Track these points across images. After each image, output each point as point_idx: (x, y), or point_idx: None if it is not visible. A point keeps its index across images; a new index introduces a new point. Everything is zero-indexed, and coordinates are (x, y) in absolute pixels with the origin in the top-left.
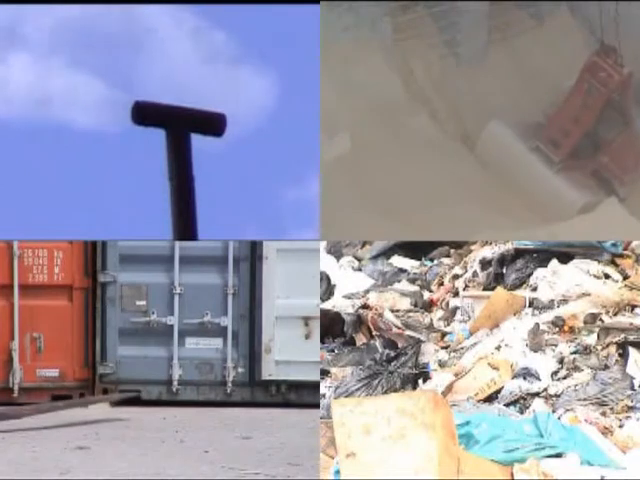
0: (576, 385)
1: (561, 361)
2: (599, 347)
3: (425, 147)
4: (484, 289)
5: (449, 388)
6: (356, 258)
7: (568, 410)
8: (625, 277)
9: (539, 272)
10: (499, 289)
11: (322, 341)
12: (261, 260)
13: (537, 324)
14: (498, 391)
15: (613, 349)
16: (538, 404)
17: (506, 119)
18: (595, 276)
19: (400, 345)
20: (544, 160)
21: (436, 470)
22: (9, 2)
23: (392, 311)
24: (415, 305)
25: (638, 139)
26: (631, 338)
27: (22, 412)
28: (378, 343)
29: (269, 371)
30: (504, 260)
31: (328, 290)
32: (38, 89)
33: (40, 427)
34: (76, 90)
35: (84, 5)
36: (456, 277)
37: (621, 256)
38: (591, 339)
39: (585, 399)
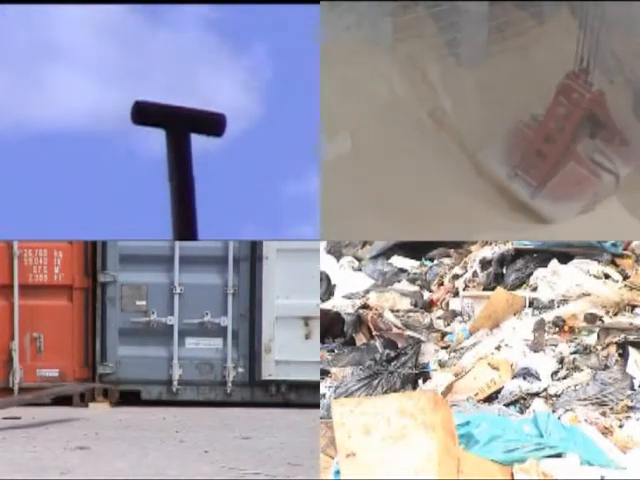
0: (576, 385)
1: (561, 361)
2: (599, 347)
3: (425, 147)
4: (484, 289)
5: (449, 388)
6: (356, 258)
7: (568, 410)
8: (625, 277)
9: (539, 272)
10: (499, 289)
11: (322, 341)
12: (261, 260)
13: (542, 319)
14: (498, 391)
15: (613, 349)
16: (538, 404)
17: (494, 147)
18: (595, 276)
19: (400, 345)
20: (524, 185)
21: (436, 470)
22: (9, 2)
23: (392, 311)
24: (415, 305)
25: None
26: (631, 338)
27: None
28: (378, 343)
29: (269, 371)
30: (504, 260)
31: (328, 290)
32: (37, 90)
33: (41, 427)
34: (76, 90)
35: (84, 5)
36: (456, 277)
37: (621, 256)
38: (591, 339)
39: (585, 399)
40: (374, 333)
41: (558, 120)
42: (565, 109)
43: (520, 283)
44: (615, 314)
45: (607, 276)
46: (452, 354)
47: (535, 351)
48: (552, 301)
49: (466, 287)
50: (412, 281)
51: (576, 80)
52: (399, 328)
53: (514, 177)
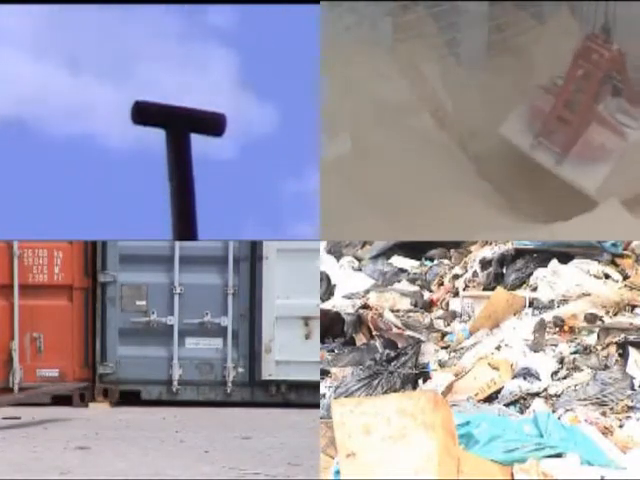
0: (576, 385)
1: (561, 361)
2: (599, 347)
3: (425, 147)
4: (484, 289)
5: (449, 388)
6: (356, 258)
7: (568, 410)
8: (625, 277)
9: (539, 272)
10: (499, 289)
11: (322, 341)
12: (261, 260)
13: (543, 319)
14: (498, 391)
15: (613, 349)
16: (538, 404)
17: (514, 117)
18: (595, 276)
19: (400, 345)
20: (548, 153)
21: (436, 470)
22: (9, 2)
23: (392, 311)
24: (415, 305)
25: None
26: (631, 338)
27: None
28: (378, 343)
29: (269, 371)
30: (504, 260)
31: (328, 290)
32: (36, 90)
33: (41, 427)
34: (76, 90)
35: (83, 5)
36: (456, 277)
37: (621, 256)
38: (591, 339)
39: (585, 399)
40: (374, 333)
41: (578, 83)
42: (584, 71)
43: (520, 283)
44: (615, 314)
45: (607, 276)
46: (452, 354)
47: (535, 351)
48: (552, 301)
49: (466, 287)
50: (412, 281)
51: (595, 40)
52: (399, 328)
53: (537, 146)
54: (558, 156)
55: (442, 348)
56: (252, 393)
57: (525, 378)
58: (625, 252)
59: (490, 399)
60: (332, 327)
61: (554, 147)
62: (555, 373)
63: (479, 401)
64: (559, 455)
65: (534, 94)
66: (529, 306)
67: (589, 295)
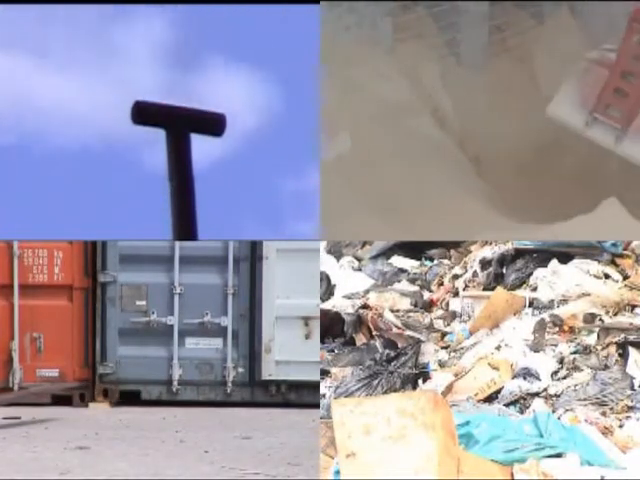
0: (576, 385)
1: (561, 361)
2: (599, 347)
3: (425, 147)
4: (484, 289)
5: (449, 388)
6: (356, 258)
7: (568, 410)
8: (625, 277)
9: (539, 272)
10: (499, 289)
11: (322, 341)
12: (261, 260)
13: (543, 319)
14: (498, 391)
15: (613, 349)
16: (538, 404)
17: (563, 94)
18: (595, 276)
19: (400, 345)
20: (606, 130)
21: (436, 470)
22: (9, 2)
23: (392, 311)
24: (415, 305)
25: None
26: (631, 338)
27: None
28: (378, 343)
29: (269, 371)
30: (504, 260)
31: (328, 290)
32: (36, 88)
33: (41, 427)
34: (76, 90)
35: (81, 5)
36: (456, 277)
37: (621, 256)
38: (591, 339)
39: (585, 399)
40: (374, 333)
41: (635, 50)
42: None
43: (520, 283)
44: (615, 314)
45: (607, 276)
46: (452, 354)
47: (535, 351)
48: (552, 301)
49: (466, 287)
50: (412, 281)
51: None
52: (399, 328)
53: (593, 122)
54: (618, 132)
55: (442, 348)
56: (252, 393)
57: (525, 378)
58: (625, 252)
59: (490, 399)
60: (332, 327)
61: (612, 122)
62: (555, 373)
63: (479, 401)
64: (559, 455)
65: (584, 67)
66: (529, 306)
67: (589, 295)
